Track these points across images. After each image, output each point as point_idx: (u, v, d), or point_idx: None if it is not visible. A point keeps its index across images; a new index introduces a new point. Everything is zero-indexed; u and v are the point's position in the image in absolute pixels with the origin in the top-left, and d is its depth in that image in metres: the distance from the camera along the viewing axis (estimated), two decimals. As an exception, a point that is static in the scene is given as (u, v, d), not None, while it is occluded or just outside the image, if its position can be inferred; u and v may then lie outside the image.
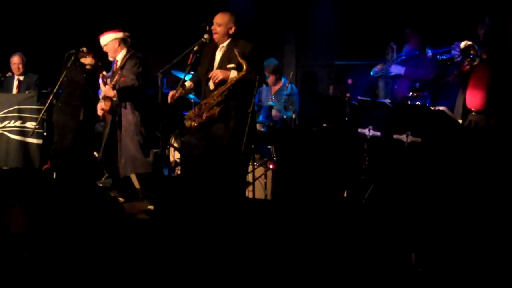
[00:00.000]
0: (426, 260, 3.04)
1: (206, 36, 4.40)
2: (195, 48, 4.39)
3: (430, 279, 2.97)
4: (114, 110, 4.97)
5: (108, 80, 4.94)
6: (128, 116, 4.91)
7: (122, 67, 4.92)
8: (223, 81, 4.22)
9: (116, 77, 4.90)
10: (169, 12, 7.35)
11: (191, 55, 4.41)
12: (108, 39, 4.94)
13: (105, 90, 4.88)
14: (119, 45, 4.95)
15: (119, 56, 4.98)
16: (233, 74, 4.20)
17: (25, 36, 7.02)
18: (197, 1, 6.97)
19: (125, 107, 4.91)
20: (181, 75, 5.02)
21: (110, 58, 5.12)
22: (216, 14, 4.37)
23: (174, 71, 5.82)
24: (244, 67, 4.12)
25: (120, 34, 4.94)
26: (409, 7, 6.15)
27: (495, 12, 4.75)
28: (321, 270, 2.95)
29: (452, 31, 5.16)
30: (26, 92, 6.14)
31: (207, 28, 4.55)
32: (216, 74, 4.23)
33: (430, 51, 4.77)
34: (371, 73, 5.69)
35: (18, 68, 6.08)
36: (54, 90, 5.29)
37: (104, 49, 5.03)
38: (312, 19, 7.37)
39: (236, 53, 4.14)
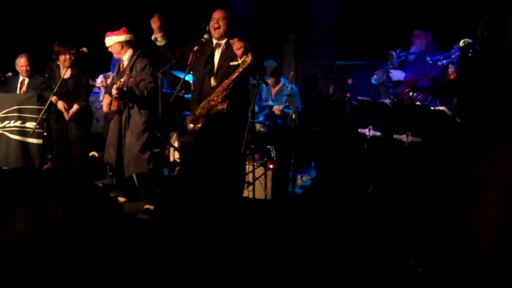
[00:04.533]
0: (426, 261, 3.04)
1: (206, 36, 4.36)
2: (195, 48, 4.36)
3: (430, 279, 2.97)
4: (121, 110, 5.00)
5: (109, 79, 4.94)
6: (135, 116, 4.97)
7: (131, 68, 4.96)
8: (226, 77, 4.15)
9: (124, 77, 4.91)
10: (169, 11, 7.34)
11: (191, 55, 4.38)
12: (111, 42, 5.04)
13: (113, 89, 4.86)
14: (122, 47, 5.03)
15: (125, 56, 5.06)
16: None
17: (29, 37, 7.02)
18: (197, 1, 6.97)
19: (132, 108, 4.97)
20: (181, 75, 5.02)
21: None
22: (214, 12, 4.31)
23: (174, 71, 5.82)
24: (250, 57, 4.00)
25: (122, 37, 5.00)
26: (409, 7, 6.15)
27: (494, 11, 4.74)
28: (320, 270, 2.96)
29: (454, 32, 5.15)
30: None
31: (207, 28, 4.52)
32: (240, 44, 4.04)
33: (429, 58, 4.75)
34: (373, 81, 5.58)
35: (26, 70, 6.00)
36: (54, 91, 5.31)
37: (109, 49, 5.12)
38: (312, 19, 7.38)
39: (239, 44, 4.03)
